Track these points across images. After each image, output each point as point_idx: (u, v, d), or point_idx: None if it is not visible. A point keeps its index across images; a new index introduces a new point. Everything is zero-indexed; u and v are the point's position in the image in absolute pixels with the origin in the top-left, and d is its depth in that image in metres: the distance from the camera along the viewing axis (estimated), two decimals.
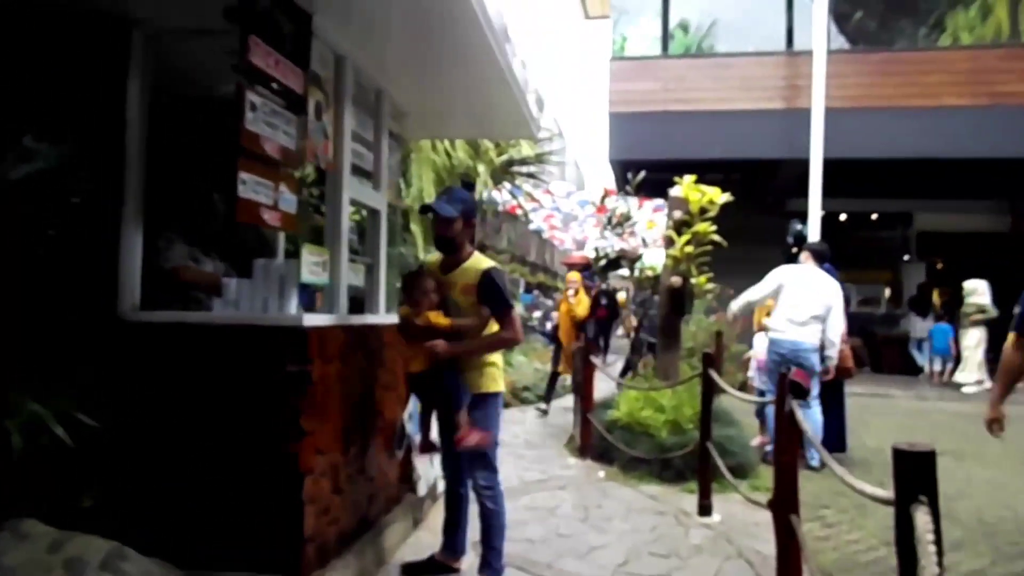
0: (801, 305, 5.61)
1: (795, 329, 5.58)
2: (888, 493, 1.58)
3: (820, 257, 5.89)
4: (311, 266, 3.12)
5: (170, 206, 3.44)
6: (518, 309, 9.48)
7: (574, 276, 8.63)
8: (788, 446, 3.00)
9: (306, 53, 2.98)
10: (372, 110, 3.86)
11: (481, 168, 10.57)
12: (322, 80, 3.17)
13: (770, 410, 5.05)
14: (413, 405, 4.22)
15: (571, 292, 8.48)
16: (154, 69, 3.12)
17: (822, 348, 5.65)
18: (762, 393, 6.43)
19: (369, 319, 3.76)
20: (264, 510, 2.84)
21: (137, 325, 2.97)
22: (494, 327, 3.24)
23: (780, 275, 5.79)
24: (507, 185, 13.97)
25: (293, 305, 3.05)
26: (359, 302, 3.96)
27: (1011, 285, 12.57)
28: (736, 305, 5.99)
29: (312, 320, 2.97)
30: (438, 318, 3.16)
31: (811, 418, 5.59)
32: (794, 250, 13.63)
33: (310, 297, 3.50)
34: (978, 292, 10.93)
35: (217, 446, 2.87)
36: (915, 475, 1.44)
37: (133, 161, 3.00)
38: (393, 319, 4.13)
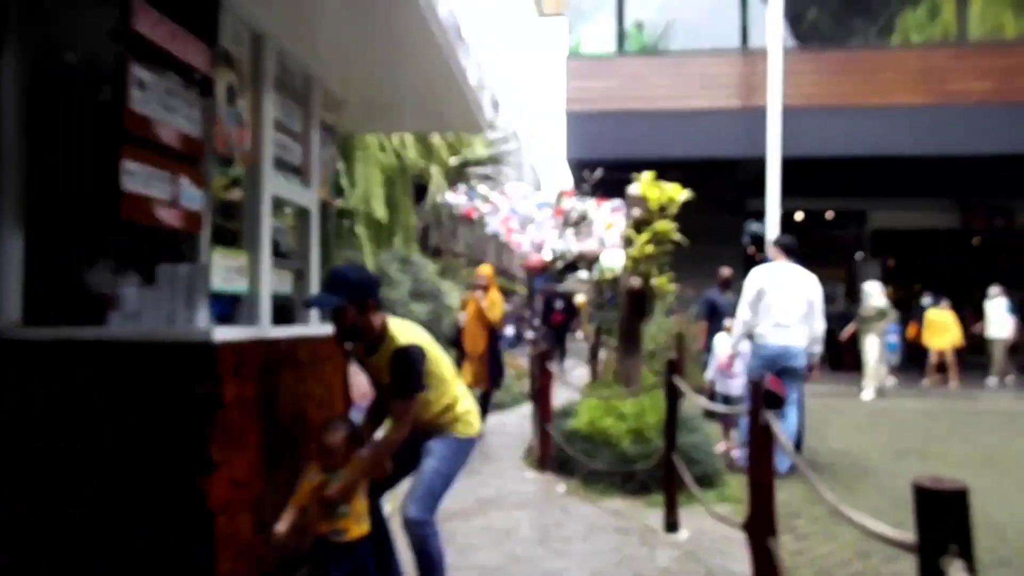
0: (787, 307, 5.40)
1: (783, 333, 5.37)
2: (908, 536, 1.28)
3: (790, 251, 5.68)
4: (225, 272, 2.73)
5: (70, 205, 3.01)
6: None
7: (484, 270, 7.20)
8: (763, 462, 2.71)
9: (212, 26, 2.60)
10: (301, 97, 3.48)
11: (434, 170, 10.24)
12: (235, 60, 2.79)
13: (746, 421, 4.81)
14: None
15: (479, 291, 6.97)
16: (39, 43, 2.70)
17: None
18: (726, 397, 6.24)
19: (299, 330, 3.38)
20: (172, 557, 2.44)
21: (18, 344, 2.55)
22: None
23: (758, 279, 5.54)
24: (462, 187, 13.66)
25: (203, 317, 2.66)
26: (289, 311, 3.59)
27: (961, 280, 12.72)
28: (737, 334, 5.65)
29: (224, 334, 2.59)
30: (310, 484, 2.71)
31: (788, 425, 5.39)
32: (750, 250, 13.63)
33: (229, 308, 3.09)
34: (876, 295, 10.43)
35: (115, 484, 2.47)
36: (945, 519, 1.15)
37: (10, 152, 2.57)
38: (329, 329, 3.78)
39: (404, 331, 2.85)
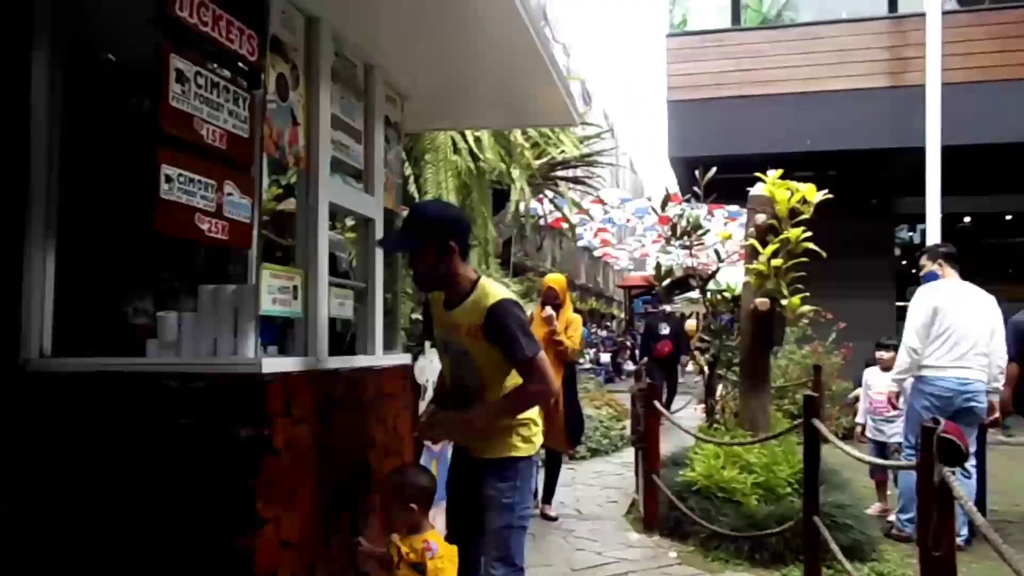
0: (967, 334, 5.10)
1: (962, 366, 5.04)
2: None
3: (958, 263, 5.34)
4: (275, 292, 2.75)
5: (105, 221, 3.12)
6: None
7: (555, 281, 5.88)
8: (941, 532, 2.46)
9: (261, 10, 2.65)
10: (361, 90, 3.52)
11: (516, 173, 10.21)
12: (287, 48, 2.83)
13: (911, 478, 4.49)
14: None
15: (546, 308, 5.61)
16: (73, 41, 2.82)
17: None
18: (881, 446, 5.90)
19: (361, 361, 3.40)
20: None
21: (44, 376, 2.64)
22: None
23: (931, 298, 5.25)
24: (549, 193, 13.63)
25: (250, 345, 2.67)
26: (349, 340, 3.61)
27: None
28: (902, 368, 5.30)
29: (275, 365, 2.60)
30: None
31: (971, 484, 5.03)
32: (903, 263, 12.96)
33: (280, 335, 3.12)
34: None
35: (147, 539, 2.50)
36: None
37: (39, 161, 2.68)
38: (396, 360, 3.78)
39: (496, 288, 2.81)
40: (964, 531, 4.75)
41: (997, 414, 5.30)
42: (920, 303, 5.24)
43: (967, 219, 13.07)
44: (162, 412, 2.53)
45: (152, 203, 2.22)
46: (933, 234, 9.26)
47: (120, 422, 2.56)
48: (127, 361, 2.67)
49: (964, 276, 5.42)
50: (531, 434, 2.91)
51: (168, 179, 2.21)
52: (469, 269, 2.84)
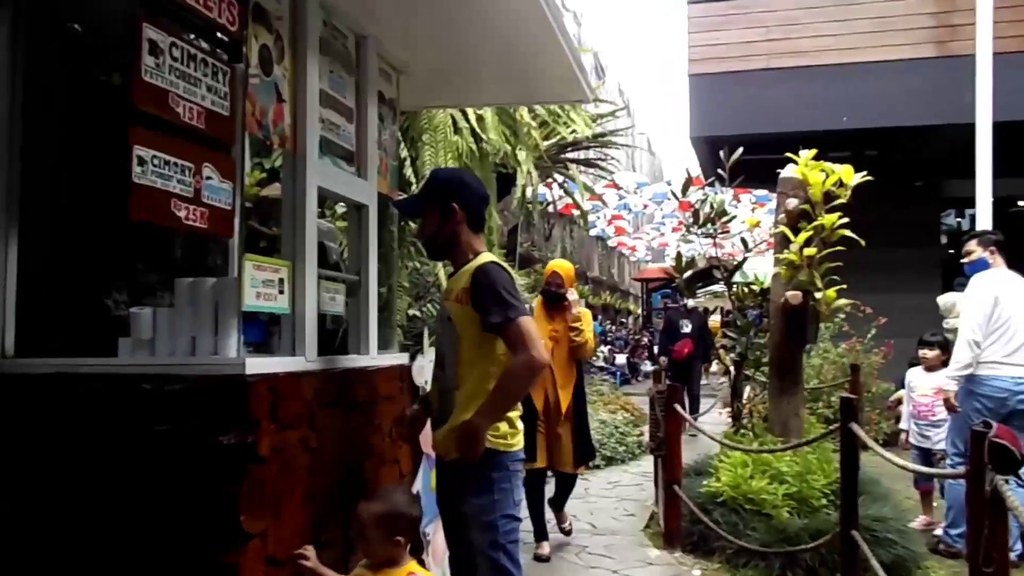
0: (1021, 327, 5.15)
1: (1015, 363, 5.06)
2: None
3: (1006, 252, 5.36)
4: (260, 286, 2.75)
5: (74, 208, 3.14)
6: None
7: (560, 264, 5.60)
8: (994, 547, 2.46)
9: None
10: (352, 63, 3.52)
11: (522, 155, 10.22)
12: (271, 17, 2.83)
13: (960, 488, 4.49)
14: (422, 482, 3.87)
15: (571, 292, 5.41)
16: (36, 10, 2.83)
17: None
18: (926, 453, 5.90)
19: (354, 361, 3.42)
20: None
21: (7, 379, 2.65)
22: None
23: (991, 286, 5.29)
24: (558, 178, 13.64)
25: (232, 344, 2.68)
26: (341, 337, 3.62)
27: None
28: (962, 364, 5.22)
29: (260, 366, 2.60)
30: None
31: (1020, 497, 5.04)
32: (951, 252, 12.93)
33: (265, 332, 3.14)
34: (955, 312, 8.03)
35: (120, 557, 2.50)
36: None
37: (1, 143, 2.69)
38: (391, 360, 3.80)
39: (489, 256, 2.93)
40: (1018, 546, 4.77)
41: None
42: (980, 292, 5.26)
43: (1021, 203, 13.04)
44: (136, 417, 2.53)
45: (124, 188, 2.24)
46: (983, 219, 9.24)
47: (90, 428, 2.56)
48: (97, 362, 2.67)
49: (1010, 265, 5.46)
50: (509, 428, 2.93)
51: (141, 161, 2.22)
52: (479, 242, 2.98)
